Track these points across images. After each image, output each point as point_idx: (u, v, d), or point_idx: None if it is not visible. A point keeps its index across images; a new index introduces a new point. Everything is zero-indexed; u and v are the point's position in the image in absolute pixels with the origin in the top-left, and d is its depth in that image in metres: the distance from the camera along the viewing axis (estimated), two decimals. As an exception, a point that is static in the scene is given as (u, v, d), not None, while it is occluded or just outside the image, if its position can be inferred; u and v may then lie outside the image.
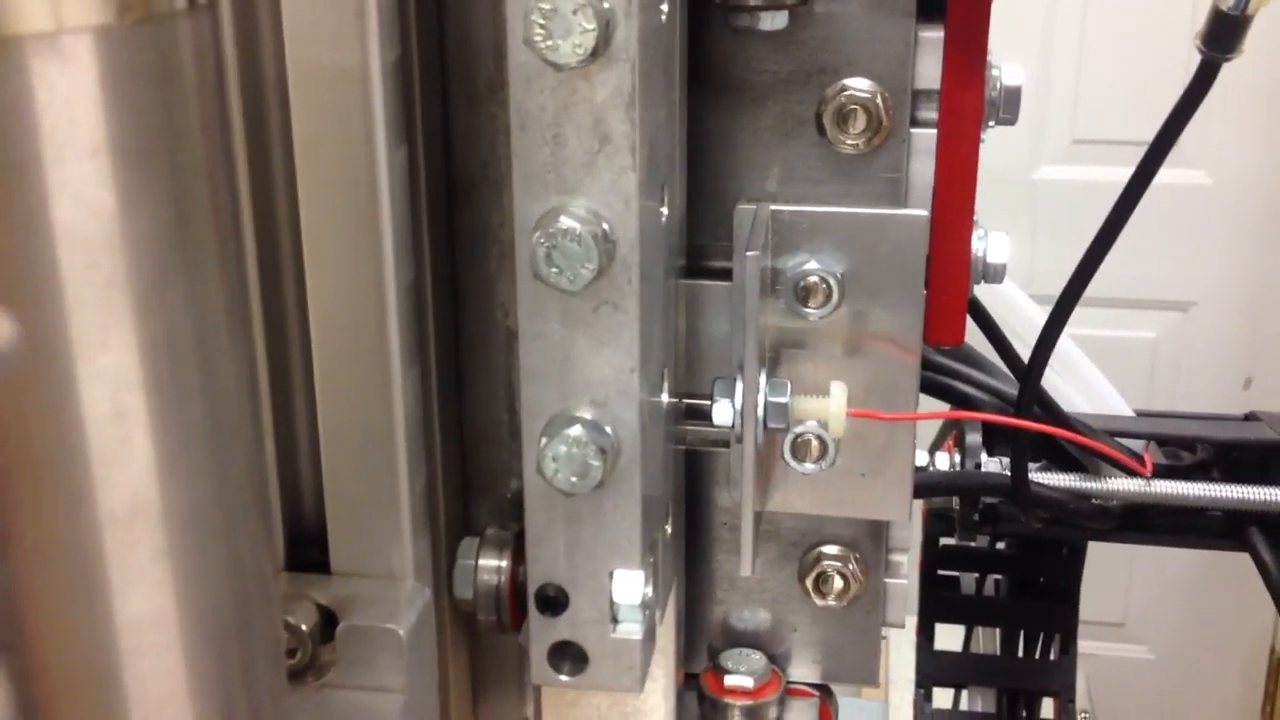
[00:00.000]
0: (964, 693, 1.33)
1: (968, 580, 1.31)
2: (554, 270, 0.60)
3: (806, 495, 0.76)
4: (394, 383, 0.64)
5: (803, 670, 0.83)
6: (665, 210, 0.66)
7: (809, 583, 0.80)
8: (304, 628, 0.63)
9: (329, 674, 0.63)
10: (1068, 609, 1.22)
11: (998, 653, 1.33)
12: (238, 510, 0.44)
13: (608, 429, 0.63)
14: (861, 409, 0.72)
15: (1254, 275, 2.42)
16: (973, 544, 1.20)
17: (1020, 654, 1.29)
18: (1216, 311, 2.45)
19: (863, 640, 0.81)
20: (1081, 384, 1.00)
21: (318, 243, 0.63)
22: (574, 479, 0.62)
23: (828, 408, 0.70)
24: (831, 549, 0.79)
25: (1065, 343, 0.98)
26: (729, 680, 0.80)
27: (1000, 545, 1.26)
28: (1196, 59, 0.69)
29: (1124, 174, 0.75)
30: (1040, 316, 0.85)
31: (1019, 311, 0.97)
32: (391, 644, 0.63)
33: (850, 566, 0.79)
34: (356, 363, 0.64)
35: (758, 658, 0.81)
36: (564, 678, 0.66)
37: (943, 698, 1.29)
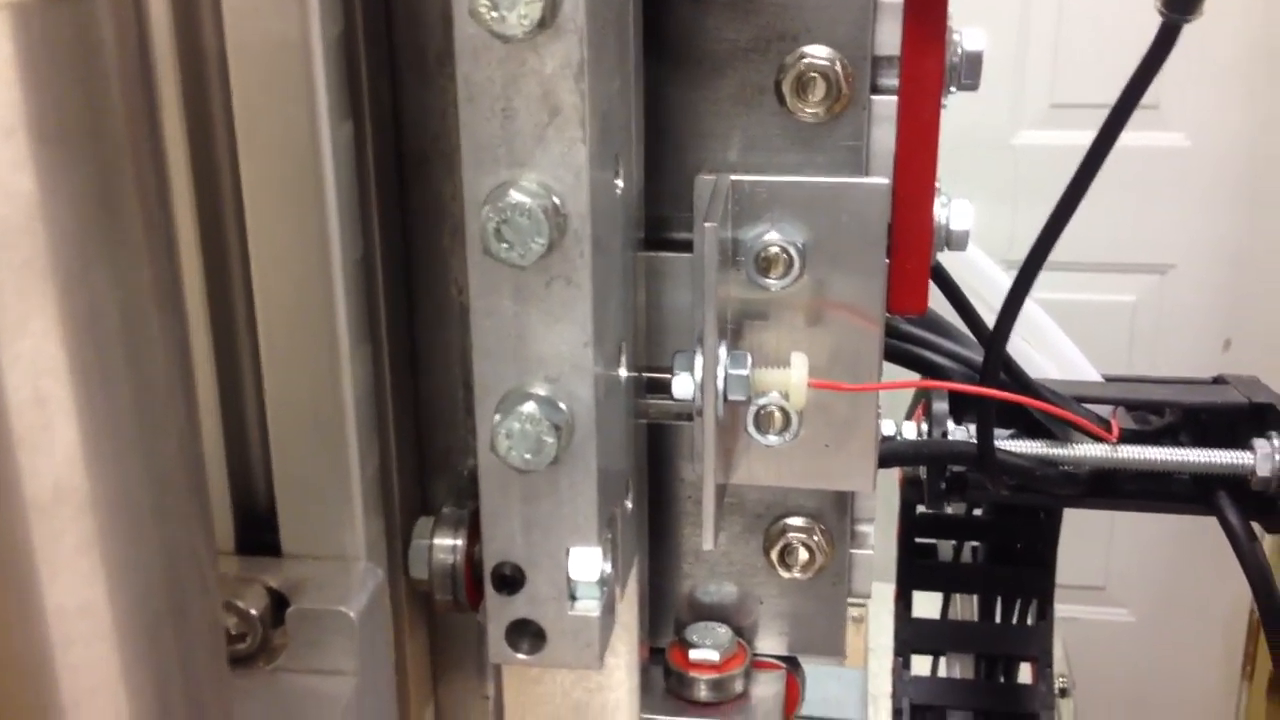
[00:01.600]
0: (942, 659, 1.33)
1: (945, 547, 1.31)
2: (504, 245, 0.59)
3: (770, 467, 0.75)
4: (343, 360, 0.63)
5: (770, 643, 0.82)
6: (620, 182, 0.65)
7: (774, 555, 0.79)
8: (254, 612, 0.62)
9: (280, 657, 0.63)
10: (1044, 574, 1.22)
11: (975, 619, 1.33)
12: (170, 495, 0.43)
13: (562, 405, 0.62)
14: (824, 379, 0.72)
15: (1232, 237, 2.41)
16: (949, 511, 1.20)
17: (998, 620, 1.29)
18: (1195, 274, 2.45)
19: (829, 612, 0.81)
20: (1049, 350, 1.00)
21: (262, 220, 0.62)
22: (528, 456, 0.61)
23: (789, 379, 0.70)
24: (796, 520, 0.79)
25: (1032, 308, 0.98)
26: (694, 654, 0.80)
27: (977, 511, 1.26)
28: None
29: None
30: (1007, 283, 0.85)
31: (986, 278, 0.96)
32: (343, 626, 0.62)
33: (815, 538, 0.78)
34: (304, 341, 0.63)
35: (723, 631, 0.81)
36: (522, 656, 0.66)
37: (921, 664, 1.29)
